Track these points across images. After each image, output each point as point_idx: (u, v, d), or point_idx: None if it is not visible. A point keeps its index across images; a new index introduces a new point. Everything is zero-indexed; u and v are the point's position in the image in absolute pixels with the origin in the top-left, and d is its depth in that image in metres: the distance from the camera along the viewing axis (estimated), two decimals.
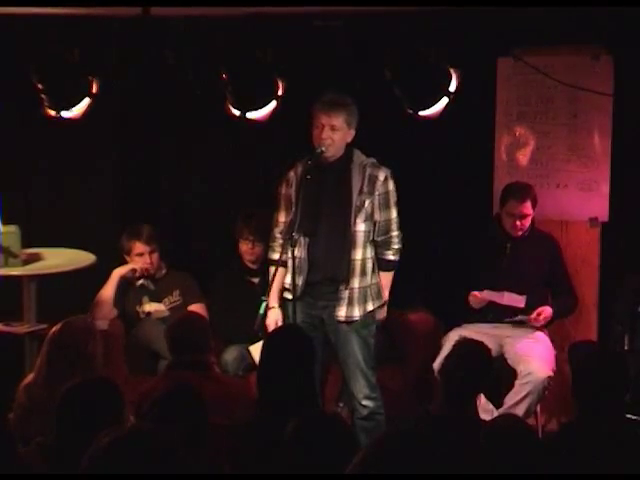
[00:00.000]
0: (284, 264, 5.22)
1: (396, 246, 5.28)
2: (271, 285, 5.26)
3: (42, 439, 3.63)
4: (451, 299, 5.95)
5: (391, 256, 5.29)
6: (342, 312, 5.21)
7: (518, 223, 5.84)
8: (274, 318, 5.27)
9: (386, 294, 5.34)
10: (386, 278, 5.33)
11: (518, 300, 5.77)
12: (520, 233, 5.88)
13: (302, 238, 5.18)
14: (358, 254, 5.19)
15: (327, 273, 5.22)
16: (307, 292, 5.25)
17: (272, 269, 5.26)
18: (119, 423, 3.37)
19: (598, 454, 3.78)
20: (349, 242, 5.17)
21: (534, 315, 5.79)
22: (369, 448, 2.41)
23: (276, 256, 5.29)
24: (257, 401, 4.23)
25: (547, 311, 5.81)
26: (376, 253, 5.27)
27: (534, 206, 5.86)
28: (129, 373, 5.83)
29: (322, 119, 5.12)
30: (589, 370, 4.07)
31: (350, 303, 5.20)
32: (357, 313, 5.21)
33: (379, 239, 5.25)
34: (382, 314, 5.36)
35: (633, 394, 4.85)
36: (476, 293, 5.78)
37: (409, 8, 5.34)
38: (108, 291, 6.03)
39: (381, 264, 5.29)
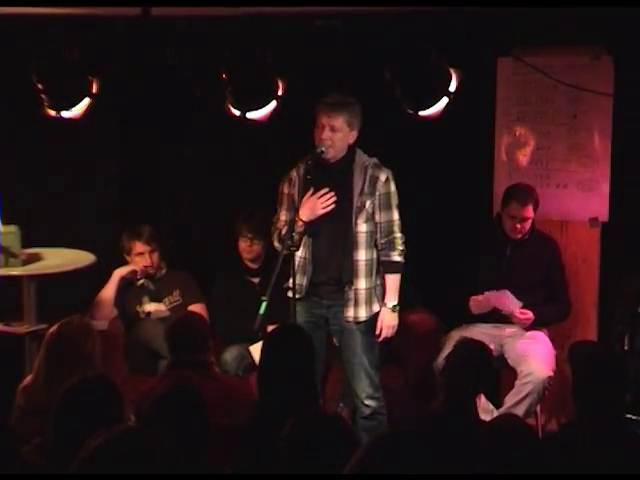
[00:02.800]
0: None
1: (400, 247, 5.24)
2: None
3: (41, 439, 3.63)
4: (451, 300, 5.94)
5: (397, 257, 5.24)
6: (349, 313, 5.20)
7: (518, 226, 5.83)
8: None
9: (395, 297, 5.26)
10: (394, 281, 5.25)
11: (516, 303, 5.76)
12: (520, 236, 5.87)
13: (305, 238, 5.18)
14: (362, 255, 5.17)
15: (332, 274, 5.22)
16: (312, 292, 5.24)
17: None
18: (118, 421, 3.37)
19: (598, 454, 3.77)
20: (352, 243, 5.17)
21: (522, 314, 5.76)
22: (367, 447, 2.39)
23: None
24: (257, 401, 4.23)
25: (529, 315, 5.77)
26: (381, 255, 5.24)
27: (535, 209, 5.85)
28: (129, 373, 5.83)
29: (323, 119, 5.12)
30: (589, 370, 4.06)
31: (357, 304, 5.19)
32: (364, 314, 5.20)
33: (383, 241, 5.22)
34: (394, 320, 5.27)
35: (633, 394, 4.86)
36: (476, 297, 5.76)
37: (409, 8, 5.34)
38: (109, 292, 6.04)
39: (387, 266, 5.24)
